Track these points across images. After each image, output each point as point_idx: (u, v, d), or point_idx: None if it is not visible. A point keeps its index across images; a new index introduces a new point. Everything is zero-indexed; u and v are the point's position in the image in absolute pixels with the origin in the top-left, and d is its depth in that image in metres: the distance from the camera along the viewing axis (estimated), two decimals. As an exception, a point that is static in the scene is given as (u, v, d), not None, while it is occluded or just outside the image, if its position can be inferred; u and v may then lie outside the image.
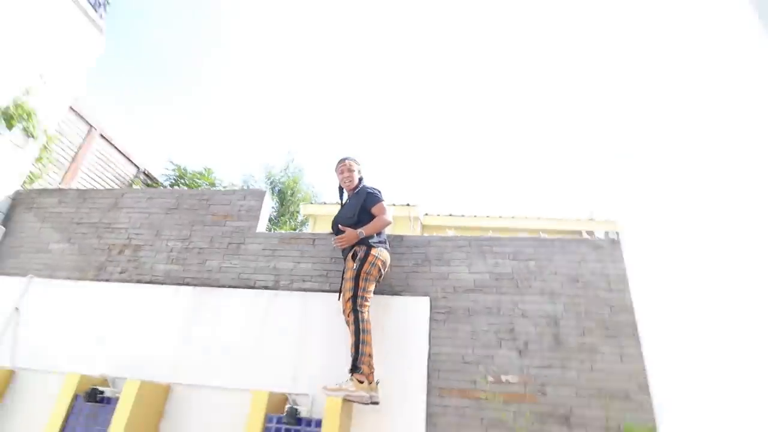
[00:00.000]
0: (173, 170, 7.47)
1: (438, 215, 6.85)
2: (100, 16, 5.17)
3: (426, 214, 6.79)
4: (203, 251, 3.45)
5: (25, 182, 4.18)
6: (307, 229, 6.83)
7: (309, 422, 2.46)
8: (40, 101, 4.17)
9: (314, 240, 3.38)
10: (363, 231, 2.75)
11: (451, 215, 6.87)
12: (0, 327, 3.19)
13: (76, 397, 2.58)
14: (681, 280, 2.74)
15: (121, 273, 3.44)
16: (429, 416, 2.61)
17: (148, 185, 6.89)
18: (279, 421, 2.47)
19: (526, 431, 2.48)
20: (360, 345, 2.51)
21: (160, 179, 7.70)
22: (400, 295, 3.02)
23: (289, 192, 13.19)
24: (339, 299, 2.81)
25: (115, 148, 6.79)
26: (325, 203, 7.01)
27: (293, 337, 2.93)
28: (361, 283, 2.66)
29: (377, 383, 2.57)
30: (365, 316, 2.61)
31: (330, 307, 3.00)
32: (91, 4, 4.94)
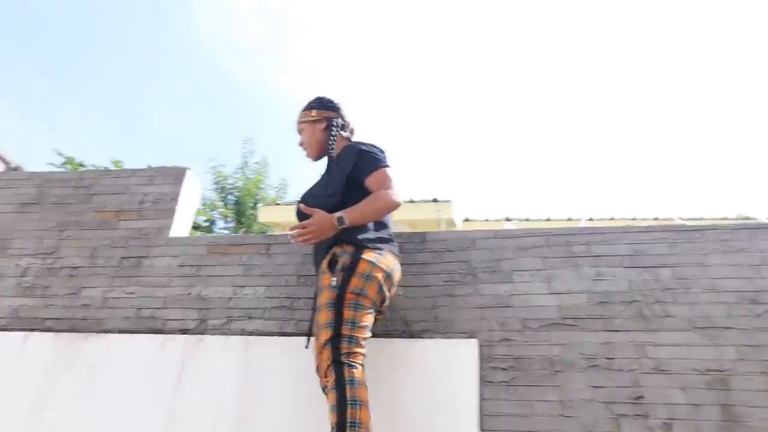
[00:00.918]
0: (62, 164, 7.13)
1: (487, 221, 6.30)
2: None
3: (467, 220, 6.24)
4: (78, 273, 2.98)
5: None
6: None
7: None
8: None
9: (269, 246, 2.89)
10: (345, 216, 2.21)
11: (508, 220, 6.31)
12: None
13: None
14: None
15: (-64, 316, 2.97)
16: None
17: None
18: None
19: None
20: (347, 429, 1.95)
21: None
22: (422, 338, 2.47)
23: (250, 202, 12.81)
24: (306, 347, 2.26)
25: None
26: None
27: (231, 414, 2.41)
28: (347, 312, 2.12)
29: None
30: (357, 374, 2.05)
31: (297, 362, 2.46)
32: None
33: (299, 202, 2.50)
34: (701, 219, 6.39)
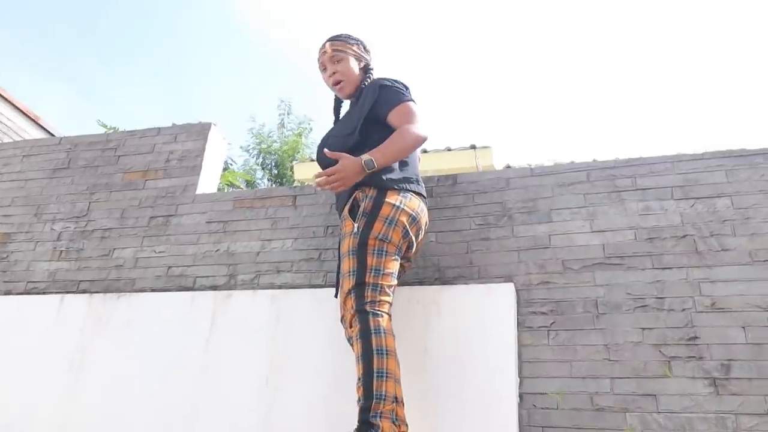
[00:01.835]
0: (103, 133, 7.22)
1: (530, 166, 6.02)
2: None
3: (508, 166, 5.99)
4: (109, 234, 2.98)
5: None
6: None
7: None
8: None
9: (295, 198, 2.79)
10: (373, 158, 2.06)
11: (556, 164, 6.01)
12: None
13: None
14: None
15: (-19, 281, 3.04)
16: None
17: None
18: None
19: None
20: (374, 380, 1.86)
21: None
22: (455, 283, 2.34)
23: (289, 161, 12.75)
24: (335, 296, 2.18)
25: (10, 103, 6.59)
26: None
27: (261, 370, 2.36)
28: (370, 260, 2.01)
29: None
30: (383, 323, 1.95)
31: (326, 312, 2.38)
32: None
33: (321, 145, 2.39)
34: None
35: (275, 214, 2.78)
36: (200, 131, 3.15)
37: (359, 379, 1.90)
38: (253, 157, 13.74)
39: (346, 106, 2.54)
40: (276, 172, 13.45)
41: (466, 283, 2.34)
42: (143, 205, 3.01)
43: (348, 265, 2.03)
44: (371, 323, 1.93)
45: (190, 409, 2.35)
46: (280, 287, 2.57)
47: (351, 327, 2.00)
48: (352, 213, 2.11)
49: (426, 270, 2.42)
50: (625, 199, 2.34)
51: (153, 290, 2.74)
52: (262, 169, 13.62)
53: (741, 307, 2.06)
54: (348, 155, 2.08)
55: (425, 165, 5.69)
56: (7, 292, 2.97)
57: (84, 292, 2.83)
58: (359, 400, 1.88)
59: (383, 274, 2.01)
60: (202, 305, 2.57)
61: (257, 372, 2.35)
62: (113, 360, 2.56)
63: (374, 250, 2.02)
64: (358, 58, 2.41)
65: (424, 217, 2.19)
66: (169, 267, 2.80)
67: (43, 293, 2.89)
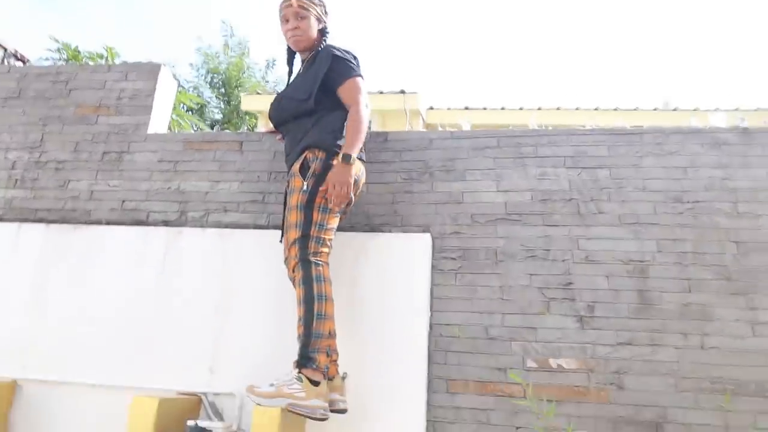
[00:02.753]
0: (57, 50, 6.36)
1: (449, 109, 5.92)
2: None
3: (431, 108, 5.86)
4: (63, 166, 2.67)
5: None
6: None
7: (231, 444, 1.86)
8: None
9: (242, 143, 2.59)
10: (349, 152, 1.97)
11: (468, 109, 5.94)
12: None
13: None
14: None
15: (-66, 205, 2.68)
16: (431, 423, 2.02)
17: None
18: (184, 439, 1.87)
19: (588, 446, 1.90)
20: (313, 321, 1.84)
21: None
22: (382, 231, 2.30)
23: (234, 82, 11.96)
24: (281, 241, 2.08)
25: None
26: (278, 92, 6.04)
27: (209, 301, 2.27)
28: (316, 215, 1.93)
29: (343, 378, 1.93)
30: (322, 271, 1.91)
31: (269, 252, 2.27)
32: None
33: (274, 103, 2.22)
34: (635, 109, 6.09)
35: (223, 158, 2.57)
36: (150, 71, 2.80)
37: (300, 318, 1.87)
38: (201, 76, 12.78)
39: (297, 62, 2.33)
40: (223, 90, 12.63)
41: (390, 231, 2.30)
42: (96, 140, 2.70)
43: (295, 217, 1.94)
44: (313, 271, 1.88)
45: (146, 332, 2.25)
46: (226, 226, 2.43)
47: (293, 271, 1.94)
48: (302, 171, 1.98)
49: (356, 217, 2.34)
50: (527, 165, 2.33)
51: (108, 223, 2.52)
52: (211, 87, 12.72)
53: (607, 260, 2.15)
54: (332, 172, 1.96)
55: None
56: (-37, 217, 2.64)
57: (41, 221, 2.56)
58: (299, 336, 1.86)
59: (326, 228, 1.95)
60: (155, 240, 2.40)
61: (208, 301, 2.26)
62: (71, 287, 2.37)
63: (320, 207, 1.94)
64: (319, 19, 2.20)
65: (362, 178, 2.11)
66: (123, 201, 2.56)
67: (1, 220, 2.60)
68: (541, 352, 2.07)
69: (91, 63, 6.29)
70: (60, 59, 6.38)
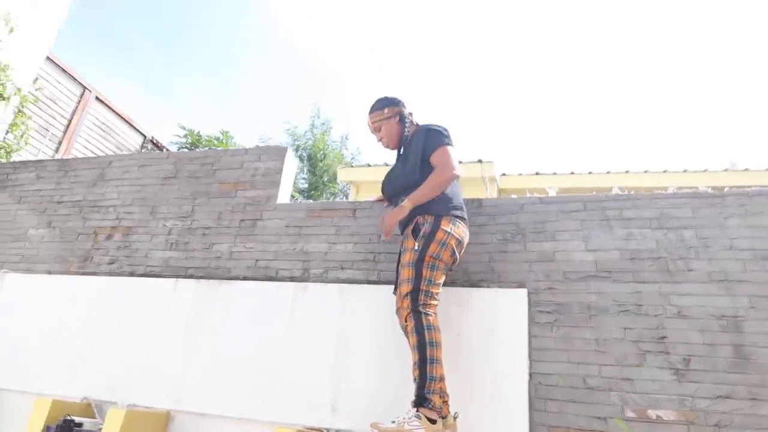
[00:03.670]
0: (185, 136, 7.31)
1: (521, 175, 6.11)
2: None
3: (504, 174, 6.08)
4: (209, 232, 3.11)
5: (-1, 155, 4.07)
6: (350, 198, 6.39)
7: (355, 475, 2.03)
8: (5, 54, 3.99)
9: (355, 211, 2.91)
10: (407, 201, 2.23)
11: (538, 174, 6.10)
12: (-28, 334, 3.07)
13: (47, 429, 2.35)
14: None
15: (110, 263, 3.20)
16: (534, 467, 2.09)
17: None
18: (313, 470, 2.07)
19: (694, 498, 1.88)
20: (427, 365, 2.01)
21: (171, 149, 7.62)
22: (481, 286, 2.48)
23: (319, 155, 12.89)
24: (394, 293, 2.31)
25: (115, 113, 6.71)
26: (369, 165, 6.51)
27: (331, 346, 2.51)
28: (425, 272, 2.14)
29: (455, 417, 2.07)
30: (432, 320, 2.10)
31: (380, 304, 2.53)
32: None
33: (385, 180, 2.55)
34: (705, 170, 5.95)
35: (339, 223, 2.91)
36: (278, 153, 3.26)
37: (415, 363, 2.05)
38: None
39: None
40: (309, 163, 13.65)
41: (488, 286, 2.47)
42: (235, 210, 3.14)
43: (407, 273, 2.17)
44: (424, 321, 2.08)
45: (277, 373, 2.52)
46: (343, 281, 2.71)
47: (405, 321, 2.15)
48: (414, 233, 2.24)
49: (457, 274, 2.54)
50: (613, 226, 2.46)
51: (245, 278, 2.89)
52: (299, 160, 13.78)
53: (700, 316, 2.19)
54: (387, 215, 2.30)
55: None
56: (131, 273, 3.13)
57: (191, 277, 2.99)
58: (415, 379, 2.03)
59: (434, 284, 2.15)
60: (284, 293, 2.72)
61: (329, 346, 2.51)
62: (217, 332, 2.72)
63: (429, 265, 2.15)
64: (390, 118, 2.52)
65: (467, 239, 2.33)
66: (257, 260, 2.94)
67: (159, 276, 3.05)
68: (640, 403, 2.10)
69: (211, 146, 7.14)
70: (186, 143, 7.31)
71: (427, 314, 2.10)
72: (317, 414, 2.38)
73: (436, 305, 2.16)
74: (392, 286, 2.49)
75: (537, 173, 6.21)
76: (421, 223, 2.24)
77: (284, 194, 3.19)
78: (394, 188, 2.51)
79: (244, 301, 2.77)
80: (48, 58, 5.39)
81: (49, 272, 3.29)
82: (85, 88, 6.33)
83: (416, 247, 2.19)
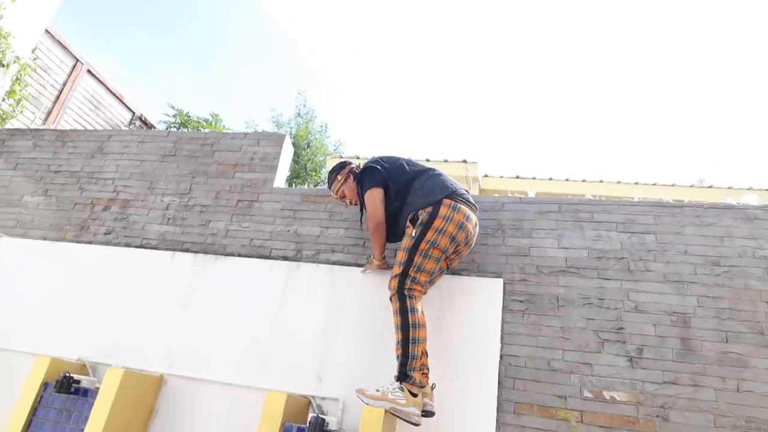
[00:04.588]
0: (174, 116, 7.32)
1: (502, 177, 6.38)
2: None
3: (486, 176, 6.33)
4: (206, 209, 3.23)
5: (-5, 121, 4.08)
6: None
7: (339, 437, 2.21)
8: (7, 22, 4.00)
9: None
10: (374, 258, 2.64)
11: (518, 177, 6.38)
12: (-34, 294, 3.13)
13: (45, 385, 2.46)
14: None
15: (106, 234, 3.29)
16: (499, 438, 2.31)
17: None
18: (300, 431, 2.24)
19: (637, 468, 2.13)
20: (409, 345, 2.19)
21: (159, 127, 7.61)
22: (462, 275, 2.68)
23: (304, 143, 12.97)
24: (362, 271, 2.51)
25: (106, 87, 6.69)
26: (358, 157, 6.67)
27: (319, 322, 2.68)
28: (417, 258, 2.30)
29: (433, 387, 2.27)
30: (415, 303, 2.27)
31: (367, 286, 2.71)
32: None
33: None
34: (673, 185, 6.32)
35: (332, 209, 3.07)
36: (277, 139, 3.40)
37: (398, 342, 2.22)
38: None
39: None
40: (293, 151, 13.69)
41: (469, 275, 2.68)
42: (233, 191, 3.27)
43: (401, 257, 2.34)
44: (408, 303, 2.25)
45: (268, 345, 2.68)
46: (334, 263, 2.88)
47: (390, 301, 2.33)
48: (413, 221, 2.39)
49: (441, 262, 2.73)
50: (584, 228, 2.69)
51: (240, 255, 3.03)
52: None
53: (654, 311, 2.44)
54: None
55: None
56: (127, 245, 3.23)
57: (187, 250, 3.11)
58: (398, 357, 2.21)
59: (423, 271, 2.31)
60: (278, 270, 2.87)
61: (318, 323, 2.68)
62: (211, 303, 2.85)
63: (422, 253, 2.31)
64: (347, 179, 2.67)
65: (469, 224, 2.36)
66: (252, 239, 3.08)
67: (156, 248, 3.16)
68: (597, 385, 2.34)
69: (200, 127, 7.16)
70: (175, 123, 7.32)
71: (411, 297, 2.27)
72: (305, 383, 2.54)
73: (421, 291, 2.34)
74: (381, 270, 2.67)
75: (517, 177, 6.49)
76: (420, 213, 2.36)
77: (280, 178, 3.33)
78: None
79: (239, 276, 2.91)
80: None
81: (45, 239, 3.35)
82: (77, 60, 6.30)
83: (413, 234, 2.34)
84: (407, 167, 2.56)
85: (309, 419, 2.29)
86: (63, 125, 6.20)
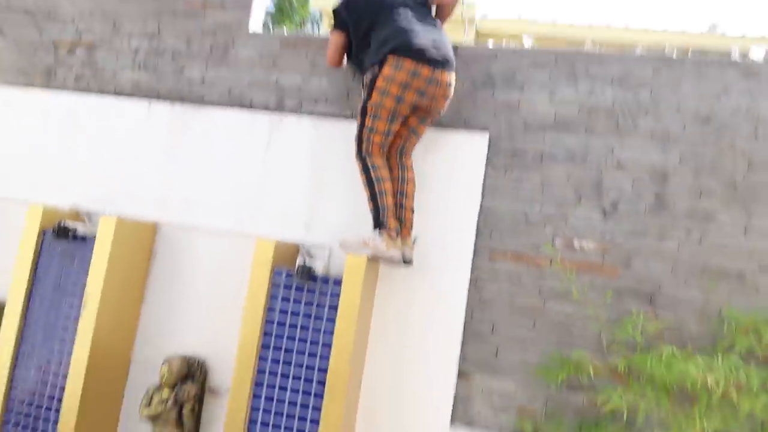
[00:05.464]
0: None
1: (502, 20, 5.90)
2: None
3: (485, 17, 5.85)
4: (179, 55, 3.01)
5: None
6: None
7: (325, 280, 2.37)
8: None
9: (331, 45, 2.85)
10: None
11: (521, 19, 5.91)
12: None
13: (42, 233, 2.53)
14: None
15: (76, 80, 3.10)
16: (473, 281, 2.50)
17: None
18: (289, 275, 2.39)
19: (595, 307, 2.35)
20: (377, 197, 2.28)
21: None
22: (448, 128, 2.62)
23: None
24: None
25: None
26: None
27: (305, 173, 2.69)
28: (367, 121, 2.31)
29: (414, 241, 2.39)
30: (375, 161, 2.33)
31: (352, 139, 2.64)
32: None
33: None
34: (683, 32, 5.92)
35: (314, 57, 2.87)
36: (250, -28, 3.02)
37: (368, 198, 2.31)
38: None
39: None
40: None
41: (455, 129, 2.62)
42: (205, 34, 2.99)
43: (358, 120, 2.35)
44: (368, 162, 2.30)
45: (253, 196, 2.71)
46: (318, 114, 2.78)
47: (356, 163, 2.38)
48: (363, 83, 2.35)
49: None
50: (578, 81, 2.56)
51: (219, 104, 2.90)
52: None
53: (635, 168, 2.46)
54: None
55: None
56: (100, 91, 3.05)
57: (164, 99, 2.96)
58: (371, 210, 2.30)
59: (376, 132, 2.30)
60: (260, 123, 2.79)
61: (304, 174, 2.69)
62: (196, 153, 2.81)
63: (371, 114, 2.28)
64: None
65: (418, 81, 2.24)
66: (230, 88, 2.92)
67: (132, 96, 3.00)
68: (568, 235, 2.47)
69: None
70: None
71: (369, 155, 2.31)
72: (293, 231, 2.65)
73: (379, 148, 2.33)
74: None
75: (520, 18, 5.99)
76: (367, 73, 2.32)
77: (256, 21, 3.04)
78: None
79: (220, 128, 2.83)
80: None
81: (11, 83, 3.16)
82: None
83: (364, 96, 2.31)
84: (374, 6, 2.38)
85: (297, 264, 2.44)
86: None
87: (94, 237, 2.51)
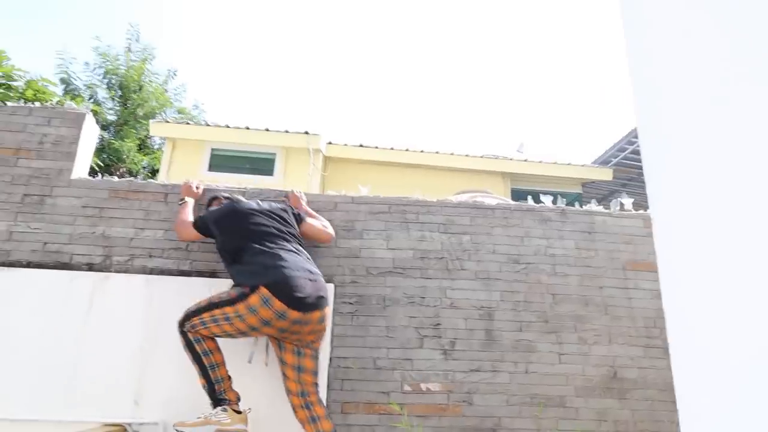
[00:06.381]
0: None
1: (345, 145, 6.36)
2: None
3: (330, 143, 6.25)
4: (-21, 206, 2.61)
5: None
6: (165, 157, 5.76)
7: (158, 471, 2.06)
8: None
9: (167, 195, 2.75)
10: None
11: (362, 146, 6.43)
12: None
13: None
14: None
15: None
16: (328, 438, 2.39)
17: None
18: (112, 469, 2.03)
19: (446, 449, 2.40)
20: (209, 372, 2.11)
21: None
22: (294, 279, 2.62)
23: (134, 85, 11.39)
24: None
25: None
26: (188, 123, 6.02)
27: (135, 339, 2.41)
28: (208, 317, 2.12)
29: (248, 411, 2.19)
30: (199, 335, 2.13)
31: (192, 296, 2.46)
32: None
33: None
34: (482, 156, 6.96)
35: (148, 207, 2.72)
36: (75, 119, 2.83)
37: (198, 374, 2.12)
38: (98, 75, 11.83)
39: None
40: (120, 93, 11.85)
41: (300, 280, 2.63)
42: (16, 182, 2.67)
43: (203, 301, 2.18)
44: (190, 336, 2.12)
45: (72, 370, 2.34)
46: (151, 271, 2.59)
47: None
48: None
49: (272, 266, 2.63)
50: (410, 228, 2.81)
51: (29, 264, 2.54)
52: (108, 88, 11.86)
53: (466, 306, 2.69)
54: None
55: (268, 140, 5.67)
56: None
57: (-47, 260, 2.50)
58: (204, 386, 2.12)
59: (209, 331, 2.12)
60: (81, 284, 2.48)
61: (133, 340, 2.41)
62: (-8, 327, 2.37)
63: (216, 318, 2.11)
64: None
65: (283, 322, 2.11)
66: (45, 243, 2.59)
67: None
68: (416, 378, 2.55)
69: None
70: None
71: (193, 329, 2.12)
72: (118, 409, 2.30)
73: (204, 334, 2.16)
74: (204, 278, 2.48)
75: (361, 145, 6.52)
76: (238, 288, 2.17)
77: (81, 168, 2.82)
78: None
79: (29, 291, 2.44)
80: None
81: None
82: None
83: (222, 297, 2.14)
84: (247, 229, 2.31)
85: (123, 451, 2.10)
86: None
87: None
